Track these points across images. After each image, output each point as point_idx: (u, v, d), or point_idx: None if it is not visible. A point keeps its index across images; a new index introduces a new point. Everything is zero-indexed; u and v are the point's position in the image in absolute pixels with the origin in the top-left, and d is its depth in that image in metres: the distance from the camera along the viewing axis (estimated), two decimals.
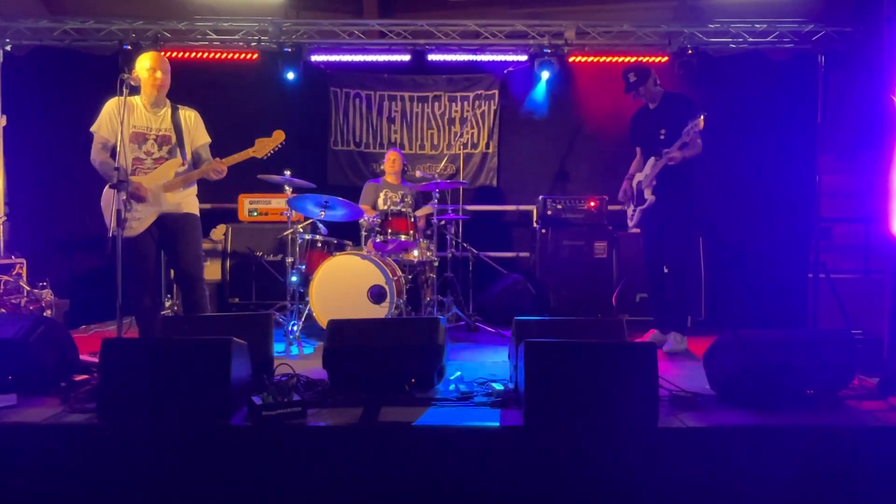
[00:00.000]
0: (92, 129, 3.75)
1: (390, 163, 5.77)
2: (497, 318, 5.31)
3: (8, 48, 5.99)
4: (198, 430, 2.56)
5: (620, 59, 6.06)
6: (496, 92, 6.57)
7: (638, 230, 4.74)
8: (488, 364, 3.88)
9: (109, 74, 3.94)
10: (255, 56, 6.09)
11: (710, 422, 2.68)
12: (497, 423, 2.63)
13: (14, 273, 5.20)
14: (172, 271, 4.05)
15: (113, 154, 3.64)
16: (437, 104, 6.65)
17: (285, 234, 4.99)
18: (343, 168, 6.67)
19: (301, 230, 4.93)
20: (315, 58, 6.18)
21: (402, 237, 4.87)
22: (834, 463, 2.56)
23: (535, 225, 6.00)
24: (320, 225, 5.02)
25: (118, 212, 3.34)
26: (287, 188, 4.91)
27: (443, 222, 5.38)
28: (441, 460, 2.55)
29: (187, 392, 2.60)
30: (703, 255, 5.65)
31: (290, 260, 4.82)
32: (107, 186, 3.73)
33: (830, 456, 2.56)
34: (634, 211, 4.52)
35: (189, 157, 3.86)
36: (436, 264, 5.30)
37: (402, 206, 5.04)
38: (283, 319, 4.84)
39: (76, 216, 5.99)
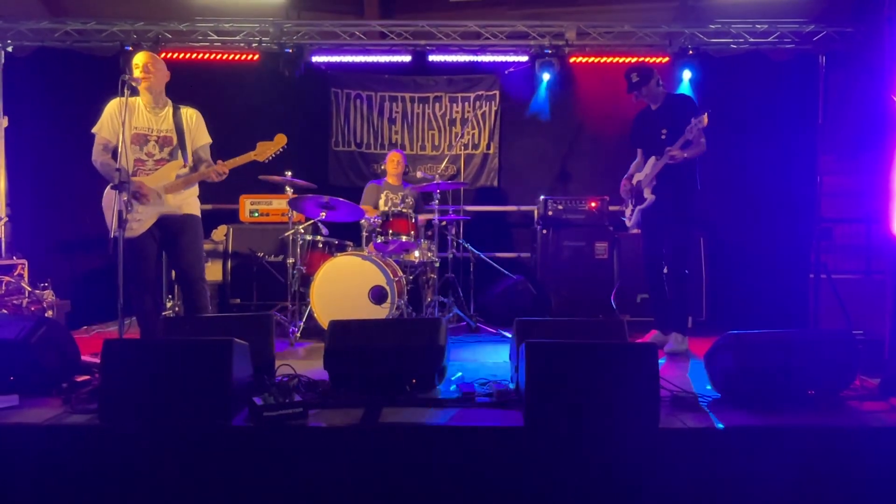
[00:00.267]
0: (93, 130, 3.75)
1: (392, 164, 5.77)
2: (498, 319, 5.31)
3: (9, 49, 6.00)
4: (199, 431, 2.56)
5: (621, 60, 6.06)
6: (497, 92, 6.57)
7: (638, 231, 4.74)
8: (489, 364, 3.88)
9: (111, 75, 3.94)
10: (256, 57, 6.10)
11: (710, 422, 2.67)
12: (498, 424, 2.63)
13: (15, 274, 5.20)
14: (173, 272, 4.05)
15: (114, 155, 3.63)
16: (437, 105, 6.65)
17: (286, 234, 5.00)
18: (344, 169, 6.68)
19: (302, 231, 4.94)
20: (316, 59, 6.18)
21: (403, 238, 4.88)
22: (835, 464, 2.55)
23: (535, 225, 6.00)
24: (321, 226, 5.03)
25: (119, 213, 3.34)
26: (288, 189, 4.92)
27: (444, 223, 5.38)
28: (442, 461, 2.55)
29: (188, 393, 2.60)
30: (704, 255, 5.64)
31: (291, 261, 4.83)
32: (108, 187, 3.74)
33: (832, 456, 2.56)
34: (633, 211, 4.52)
35: (190, 159, 3.86)
36: (437, 265, 5.31)
37: (402, 207, 5.05)
38: (285, 320, 4.85)
39: (78, 217, 5.99)
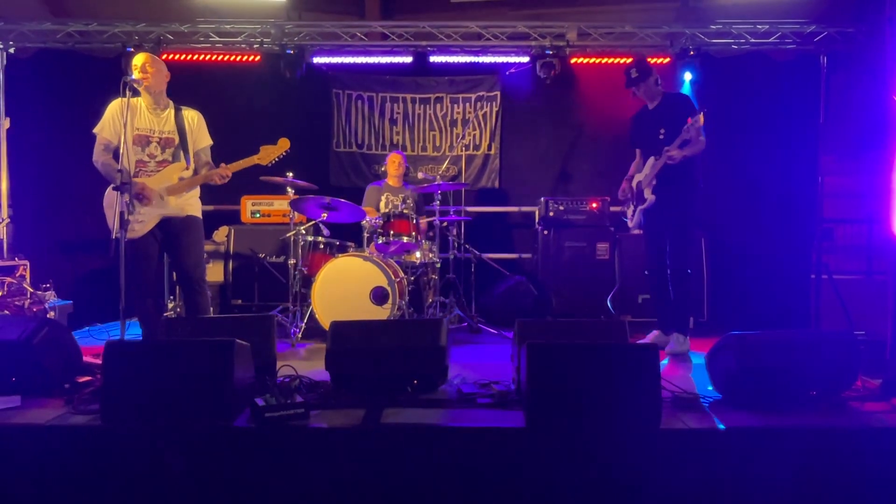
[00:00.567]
0: (95, 130, 3.74)
1: (392, 165, 5.77)
2: (499, 320, 5.32)
3: (11, 51, 6.00)
4: (200, 432, 2.57)
5: (622, 60, 6.06)
6: (498, 93, 6.57)
7: (640, 231, 4.74)
8: (490, 365, 3.88)
9: (113, 76, 3.95)
10: (258, 58, 6.11)
11: (712, 423, 2.67)
12: (499, 425, 2.63)
13: (17, 275, 5.21)
14: (175, 273, 4.06)
15: (116, 156, 3.63)
16: (438, 106, 6.65)
17: (288, 235, 5.00)
18: (345, 169, 6.68)
19: (303, 232, 4.94)
20: (317, 60, 6.19)
21: (404, 239, 4.88)
22: (837, 464, 2.55)
23: (536, 226, 6.00)
24: (322, 227, 5.03)
25: (121, 214, 3.34)
26: (289, 190, 4.92)
27: (445, 224, 5.38)
28: (443, 462, 2.56)
29: (190, 393, 2.60)
30: (706, 255, 5.64)
31: (292, 261, 4.83)
32: (109, 188, 3.74)
33: (833, 457, 2.56)
34: (634, 211, 4.52)
35: (192, 160, 3.86)
36: (438, 266, 5.31)
37: (403, 208, 5.05)
38: (286, 321, 4.85)
39: (79, 218, 6.00)
